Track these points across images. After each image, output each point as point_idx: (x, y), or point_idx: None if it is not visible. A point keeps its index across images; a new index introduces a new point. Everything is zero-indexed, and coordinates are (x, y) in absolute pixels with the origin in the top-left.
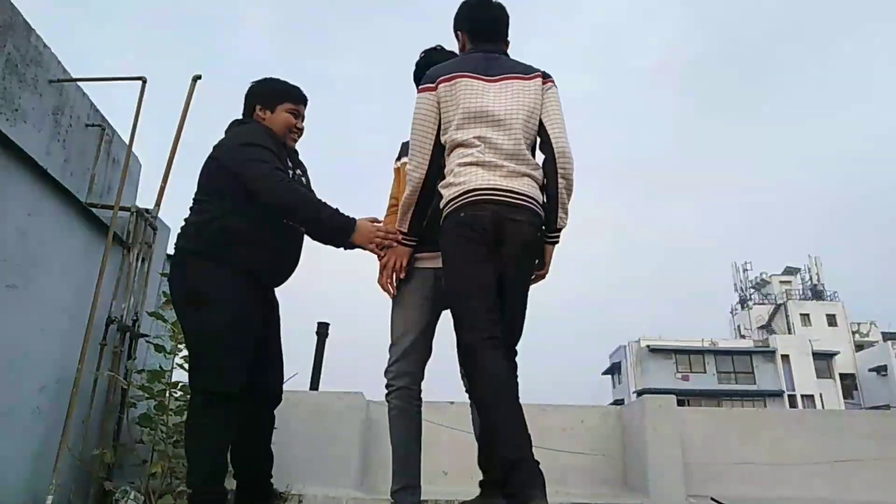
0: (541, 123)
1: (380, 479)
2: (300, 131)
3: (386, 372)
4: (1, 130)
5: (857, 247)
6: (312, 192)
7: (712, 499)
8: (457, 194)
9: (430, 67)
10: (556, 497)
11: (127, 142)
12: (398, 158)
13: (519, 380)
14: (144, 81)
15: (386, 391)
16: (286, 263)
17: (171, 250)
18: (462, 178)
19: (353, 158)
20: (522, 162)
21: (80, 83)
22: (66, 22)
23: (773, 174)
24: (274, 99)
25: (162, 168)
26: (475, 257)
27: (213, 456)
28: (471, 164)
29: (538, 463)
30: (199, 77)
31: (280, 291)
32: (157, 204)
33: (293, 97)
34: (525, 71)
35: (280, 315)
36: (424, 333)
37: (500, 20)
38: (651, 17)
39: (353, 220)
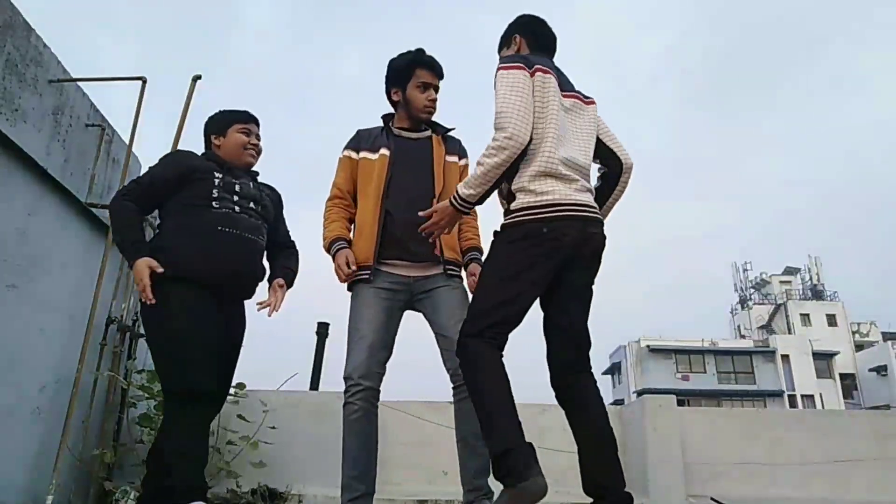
0: (599, 141)
1: (380, 480)
2: (255, 147)
3: (351, 372)
4: (1, 130)
5: (857, 247)
6: (260, 209)
7: (712, 499)
8: (537, 204)
9: (409, 66)
10: (556, 497)
11: (127, 142)
12: (356, 150)
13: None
14: (144, 81)
15: (349, 392)
16: (229, 271)
17: None
18: (544, 188)
19: None
20: (588, 178)
21: (80, 83)
22: (66, 22)
23: (773, 174)
24: (224, 124)
25: None
26: (530, 276)
27: (194, 453)
28: (549, 174)
29: (532, 446)
30: (199, 77)
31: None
32: None
33: (241, 118)
34: (585, 96)
35: (242, 335)
36: (390, 334)
37: (556, 41)
38: (653, 17)
39: (137, 256)
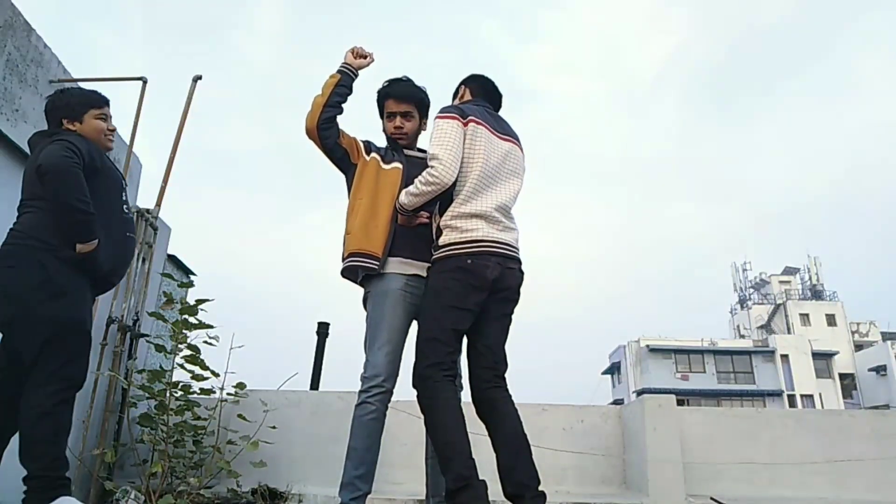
0: None
1: (380, 480)
2: (112, 132)
3: (375, 374)
4: (1, 130)
5: (856, 247)
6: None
7: (712, 498)
8: (462, 240)
9: (382, 98)
10: (556, 497)
11: (127, 142)
12: (367, 150)
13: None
14: (145, 82)
15: (368, 393)
16: (122, 275)
17: (171, 250)
18: (469, 227)
19: None
20: (512, 219)
21: (80, 83)
22: (67, 22)
23: (772, 174)
24: (80, 109)
25: (162, 168)
26: (467, 304)
27: None
28: (474, 215)
29: (485, 483)
30: (199, 77)
31: (280, 291)
32: (158, 204)
33: (97, 102)
34: (518, 139)
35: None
36: (405, 338)
37: (500, 99)
38: (654, 21)
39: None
